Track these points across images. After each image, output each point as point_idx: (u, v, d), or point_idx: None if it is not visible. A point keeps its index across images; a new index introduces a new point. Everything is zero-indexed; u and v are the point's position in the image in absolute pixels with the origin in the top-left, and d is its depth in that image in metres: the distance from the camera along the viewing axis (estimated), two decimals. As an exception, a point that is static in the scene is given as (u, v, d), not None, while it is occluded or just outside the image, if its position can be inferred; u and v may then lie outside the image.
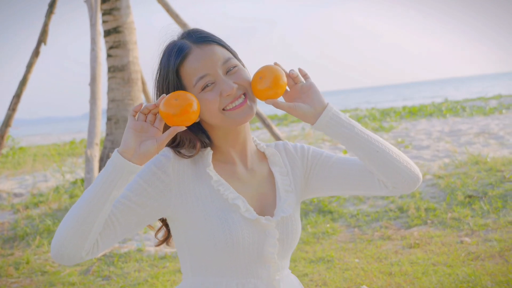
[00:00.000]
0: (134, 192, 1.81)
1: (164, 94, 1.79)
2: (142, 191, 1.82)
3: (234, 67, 1.90)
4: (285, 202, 1.99)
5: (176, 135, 1.91)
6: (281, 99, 1.91)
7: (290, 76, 1.92)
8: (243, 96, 1.89)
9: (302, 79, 1.93)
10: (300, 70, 1.94)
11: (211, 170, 1.90)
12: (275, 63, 1.93)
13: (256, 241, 1.89)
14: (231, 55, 1.92)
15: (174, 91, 1.86)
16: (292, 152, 2.11)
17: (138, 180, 1.82)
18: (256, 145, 2.09)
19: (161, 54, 1.94)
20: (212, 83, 1.85)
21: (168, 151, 1.88)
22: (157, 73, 1.93)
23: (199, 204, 1.86)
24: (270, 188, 2.03)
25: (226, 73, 1.88)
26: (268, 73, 1.88)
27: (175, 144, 1.92)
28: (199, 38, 1.91)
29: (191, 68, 1.86)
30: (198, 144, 1.91)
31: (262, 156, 2.08)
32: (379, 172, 1.97)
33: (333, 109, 1.92)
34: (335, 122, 1.92)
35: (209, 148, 1.95)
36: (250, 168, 2.01)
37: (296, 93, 1.94)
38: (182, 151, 1.90)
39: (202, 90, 1.85)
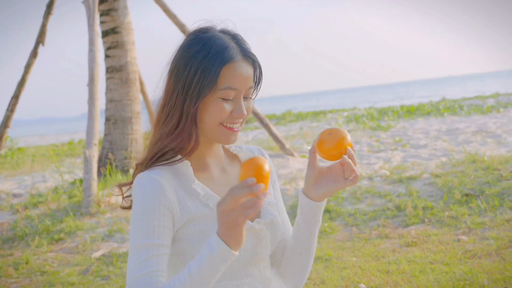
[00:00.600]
0: (159, 238, 1.79)
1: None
2: (163, 230, 1.80)
3: (251, 96, 1.96)
4: (268, 204, 2.05)
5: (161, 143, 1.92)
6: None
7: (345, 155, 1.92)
8: (240, 123, 1.94)
9: (353, 167, 1.91)
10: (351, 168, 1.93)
11: (197, 185, 1.91)
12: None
13: (250, 245, 1.92)
14: (257, 86, 1.98)
15: (207, 82, 1.85)
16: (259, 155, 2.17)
17: (150, 221, 1.79)
18: (228, 148, 2.13)
19: (205, 40, 1.91)
20: (232, 99, 1.89)
21: (151, 176, 1.85)
22: (194, 57, 1.89)
23: (194, 220, 1.86)
24: None
25: (244, 97, 1.93)
26: (336, 132, 1.94)
27: (160, 154, 1.92)
28: (248, 52, 1.92)
29: (230, 76, 1.86)
30: (193, 144, 1.91)
31: (234, 157, 2.12)
32: (289, 260, 2.09)
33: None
34: (321, 211, 2.03)
35: (186, 161, 1.94)
36: (223, 169, 2.05)
37: (333, 170, 1.98)
38: (162, 162, 1.92)
39: (223, 98, 1.87)
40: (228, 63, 1.86)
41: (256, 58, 1.95)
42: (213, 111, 1.87)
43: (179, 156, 1.93)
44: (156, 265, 1.74)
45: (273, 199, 2.12)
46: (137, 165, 1.99)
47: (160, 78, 1.98)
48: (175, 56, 1.94)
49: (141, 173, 1.87)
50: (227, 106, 1.87)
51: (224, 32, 1.95)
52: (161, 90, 1.96)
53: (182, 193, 1.87)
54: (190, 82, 1.87)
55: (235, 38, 1.94)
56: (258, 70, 1.96)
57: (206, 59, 1.86)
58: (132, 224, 1.82)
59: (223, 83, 1.86)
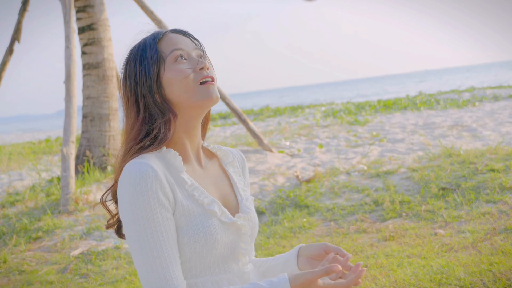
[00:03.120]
0: (162, 229, 1.79)
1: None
2: (165, 221, 1.81)
3: (204, 56, 2.00)
4: (247, 200, 2.09)
5: (147, 127, 1.93)
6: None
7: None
8: (211, 78, 1.94)
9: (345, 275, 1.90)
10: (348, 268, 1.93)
11: (185, 174, 1.91)
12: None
13: (231, 240, 1.95)
14: (203, 47, 2.02)
15: (151, 61, 1.90)
16: (239, 158, 2.23)
17: (151, 216, 1.78)
18: (205, 146, 2.15)
19: (138, 45, 1.99)
20: (185, 59, 1.92)
21: (142, 162, 1.82)
22: (131, 58, 1.97)
23: (183, 211, 1.86)
24: (227, 186, 2.09)
25: (197, 56, 1.97)
26: None
27: (142, 138, 1.92)
28: (175, 29, 2.01)
29: (167, 43, 1.94)
30: (170, 130, 1.92)
31: (211, 155, 2.15)
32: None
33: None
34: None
35: (174, 151, 1.94)
36: (204, 166, 2.06)
37: (317, 257, 2.07)
38: (148, 146, 1.91)
39: (176, 61, 1.90)
40: (160, 38, 1.94)
41: (186, 31, 2.01)
42: (176, 76, 1.90)
43: (164, 147, 1.93)
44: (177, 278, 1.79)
45: (250, 195, 2.15)
46: (118, 162, 1.96)
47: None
48: (124, 68, 2.00)
49: (130, 161, 1.83)
50: (185, 65, 1.91)
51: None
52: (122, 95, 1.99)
53: (172, 180, 1.86)
54: (136, 74, 1.92)
55: (161, 29, 2.01)
56: (194, 38, 2.00)
57: (140, 48, 1.95)
58: (132, 228, 1.79)
59: (165, 51, 1.92)
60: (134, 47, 1.98)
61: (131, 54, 1.97)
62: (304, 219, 6.57)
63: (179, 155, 1.97)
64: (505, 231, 5.27)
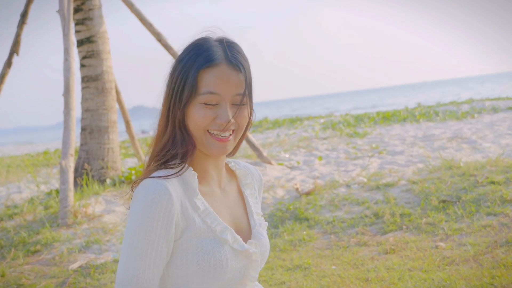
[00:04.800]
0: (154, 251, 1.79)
1: None
2: (162, 241, 1.80)
3: (242, 104, 1.89)
4: (260, 225, 2.05)
5: (170, 145, 1.90)
6: None
7: None
8: (231, 132, 1.89)
9: None
10: None
11: (198, 199, 1.88)
12: None
13: (241, 267, 1.91)
14: (246, 93, 1.89)
15: (187, 87, 1.84)
16: (257, 178, 2.19)
17: (149, 247, 1.78)
18: (227, 163, 2.11)
19: (193, 46, 1.90)
20: (215, 104, 1.85)
21: (159, 182, 1.81)
22: (179, 63, 1.90)
23: (195, 233, 1.83)
24: (242, 210, 2.06)
25: (232, 105, 1.88)
26: None
27: (164, 159, 1.89)
28: (233, 58, 1.87)
29: (209, 80, 1.83)
30: (191, 154, 1.90)
31: (232, 174, 2.11)
32: None
33: None
34: None
35: (193, 172, 1.90)
36: (222, 187, 2.02)
37: None
38: (170, 171, 1.87)
39: (204, 103, 1.84)
40: (206, 67, 1.83)
41: (244, 63, 1.89)
42: (195, 117, 1.84)
43: (186, 166, 1.89)
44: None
45: (264, 220, 2.11)
46: (143, 171, 1.94)
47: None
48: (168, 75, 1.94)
49: (148, 179, 1.82)
50: (210, 112, 1.84)
51: (216, 39, 1.92)
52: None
53: (186, 202, 1.84)
54: (173, 87, 1.86)
55: (222, 42, 1.90)
56: (246, 75, 1.90)
57: (187, 63, 1.86)
58: (129, 236, 1.79)
59: (203, 87, 1.83)
60: (188, 53, 1.89)
61: (180, 62, 1.89)
62: (304, 232, 6.54)
63: (199, 173, 1.94)
64: (507, 244, 5.25)
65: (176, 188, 1.82)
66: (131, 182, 9.30)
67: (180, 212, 1.81)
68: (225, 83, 1.84)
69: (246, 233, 2.01)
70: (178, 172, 1.85)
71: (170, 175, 1.83)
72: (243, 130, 1.95)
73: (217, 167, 1.99)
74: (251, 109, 1.95)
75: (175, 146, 1.89)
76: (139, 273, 1.75)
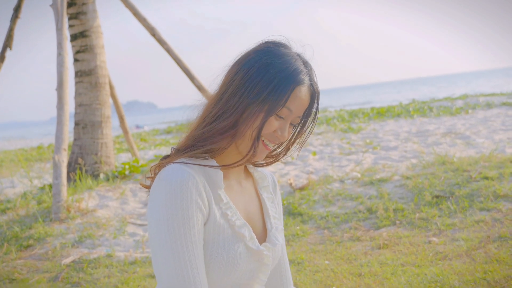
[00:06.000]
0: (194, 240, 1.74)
1: None
2: (199, 224, 1.77)
3: (297, 125, 1.96)
4: (276, 230, 2.03)
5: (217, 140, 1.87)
6: None
7: None
8: (280, 150, 1.99)
9: None
10: None
11: (222, 192, 1.86)
12: None
13: (251, 268, 1.90)
14: (303, 115, 1.93)
15: (276, 95, 1.81)
16: (272, 183, 2.17)
17: (187, 231, 1.73)
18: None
19: (283, 55, 1.87)
20: (284, 119, 1.87)
21: (185, 172, 1.77)
22: (267, 66, 1.84)
23: (214, 226, 1.81)
24: (257, 210, 2.04)
25: (290, 122, 1.91)
26: None
27: (206, 149, 1.87)
28: (315, 83, 1.91)
29: (295, 98, 1.84)
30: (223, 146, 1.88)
31: (248, 173, 2.09)
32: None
33: None
34: None
35: (217, 165, 1.88)
36: (240, 182, 2.01)
37: None
38: (196, 160, 1.86)
39: (277, 114, 1.84)
40: (299, 86, 1.84)
41: (319, 92, 1.93)
42: (262, 119, 1.82)
43: (213, 161, 1.87)
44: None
45: (280, 224, 2.10)
46: (174, 150, 1.91)
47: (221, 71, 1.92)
48: (248, 56, 1.87)
49: (173, 164, 1.80)
50: (276, 124, 1.85)
51: (299, 55, 1.91)
52: (220, 83, 1.90)
53: (210, 194, 1.82)
54: (260, 89, 1.81)
55: (307, 65, 1.90)
56: (316, 103, 1.93)
57: (282, 73, 1.82)
58: (162, 226, 1.72)
59: (289, 100, 1.84)
60: (280, 60, 1.85)
61: (269, 66, 1.84)
62: (298, 227, 6.54)
63: (223, 168, 1.91)
64: (499, 239, 5.26)
65: (200, 178, 1.80)
66: (125, 177, 9.29)
67: (206, 200, 1.79)
68: (302, 104, 1.87)
69: (260, 235, 2.00)
70: (204, 162, 1.85)
71: (195, 164, 1.82)
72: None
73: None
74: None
75: (214, 139, 1.85)
76: (193, 274, 1.71)
